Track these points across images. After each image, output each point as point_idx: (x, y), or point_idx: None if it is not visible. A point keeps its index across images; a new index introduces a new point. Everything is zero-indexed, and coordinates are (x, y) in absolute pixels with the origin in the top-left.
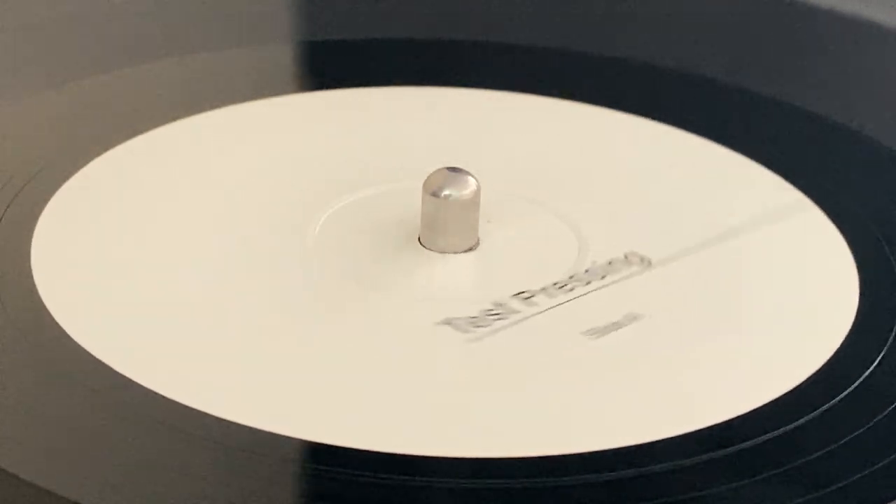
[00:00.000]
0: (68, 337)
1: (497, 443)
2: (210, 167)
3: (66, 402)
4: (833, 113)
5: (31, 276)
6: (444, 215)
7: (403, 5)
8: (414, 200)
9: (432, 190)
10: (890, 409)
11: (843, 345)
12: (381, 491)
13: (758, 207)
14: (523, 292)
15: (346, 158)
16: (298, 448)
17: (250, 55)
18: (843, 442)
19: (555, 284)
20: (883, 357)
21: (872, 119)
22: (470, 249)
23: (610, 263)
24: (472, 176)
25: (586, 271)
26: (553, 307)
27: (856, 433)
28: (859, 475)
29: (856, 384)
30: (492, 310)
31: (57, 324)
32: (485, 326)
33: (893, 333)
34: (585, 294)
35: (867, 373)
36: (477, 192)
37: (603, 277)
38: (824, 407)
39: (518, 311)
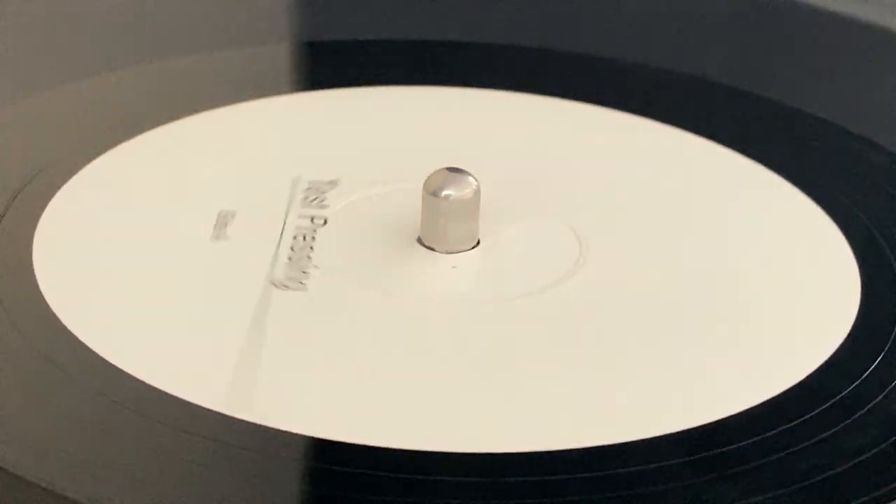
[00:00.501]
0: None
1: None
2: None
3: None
4: (833, 113)
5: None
6: (444, 215)
7: (403, 5)
8: (414, 200)
9: (432, 190)
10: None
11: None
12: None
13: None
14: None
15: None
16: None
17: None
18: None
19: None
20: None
21: (872, 119)
22: (470, 249)
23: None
24: (472, 176)
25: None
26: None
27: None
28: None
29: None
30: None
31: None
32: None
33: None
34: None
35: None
36: (477, 192)
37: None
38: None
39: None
